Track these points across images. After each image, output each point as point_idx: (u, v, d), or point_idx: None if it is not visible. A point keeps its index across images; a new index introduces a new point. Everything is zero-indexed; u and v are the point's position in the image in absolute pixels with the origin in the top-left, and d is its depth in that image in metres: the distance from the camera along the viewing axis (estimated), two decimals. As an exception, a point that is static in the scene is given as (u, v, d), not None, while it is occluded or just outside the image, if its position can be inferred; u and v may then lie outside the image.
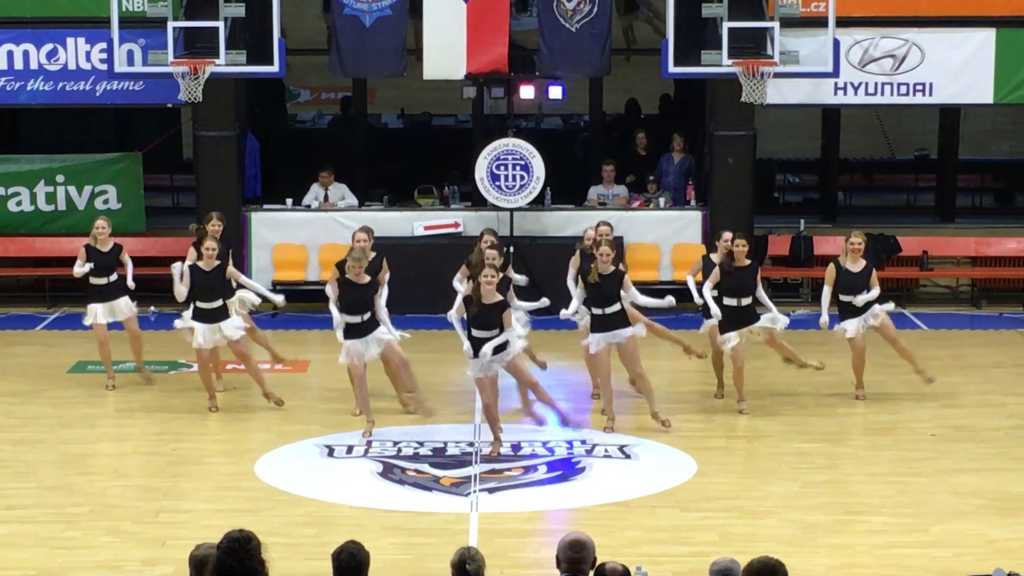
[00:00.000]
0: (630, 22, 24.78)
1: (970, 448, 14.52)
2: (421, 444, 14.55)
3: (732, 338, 15.45)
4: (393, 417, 15.35)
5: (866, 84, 20.00)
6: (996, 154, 25.24)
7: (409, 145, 23.43)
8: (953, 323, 20.02)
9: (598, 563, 7.71)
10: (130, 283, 16.61)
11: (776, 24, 17.97)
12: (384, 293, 15.15)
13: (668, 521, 12.48)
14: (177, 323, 15.82)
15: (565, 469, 13.93)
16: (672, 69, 18.27)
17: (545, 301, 15.39)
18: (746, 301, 15.52)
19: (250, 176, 21.20)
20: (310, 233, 20.38)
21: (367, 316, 14.71)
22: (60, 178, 20.91)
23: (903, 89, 19.99)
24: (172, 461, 14.20)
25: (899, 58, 19.93)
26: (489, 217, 19.47)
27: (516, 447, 14.45)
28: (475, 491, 13.23)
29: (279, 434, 14.95)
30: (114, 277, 16.40)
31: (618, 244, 16.70)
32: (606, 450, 14.42)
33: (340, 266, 15.00)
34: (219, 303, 15.43)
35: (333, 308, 14.88)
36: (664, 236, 20.44)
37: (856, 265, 15.94)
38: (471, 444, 14.51)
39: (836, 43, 18.31)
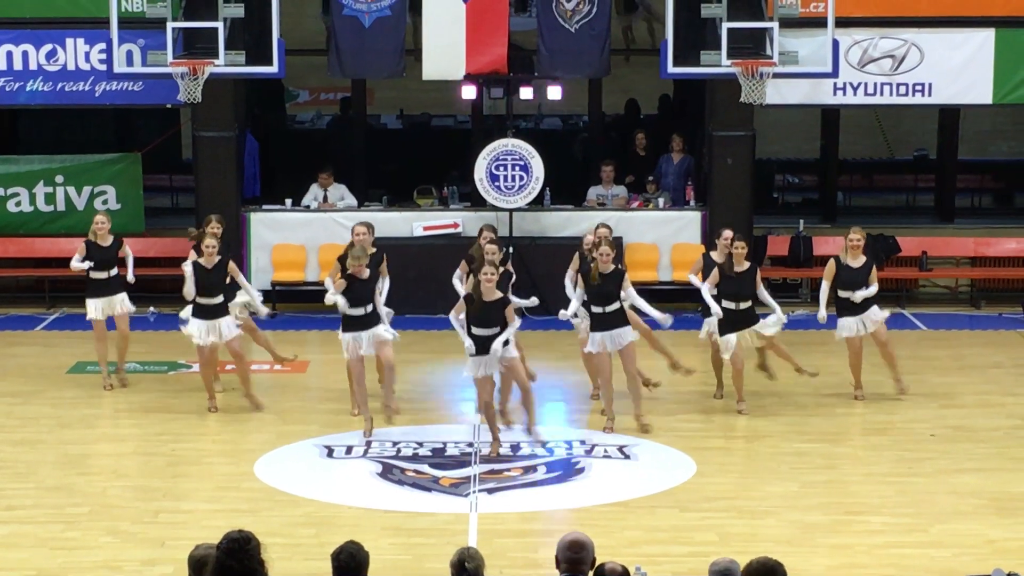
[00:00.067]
0: (629, 22, 24.81)
1: (969, 448, 14.53)
2: (420, 444, 14.55)
3: (731, 341, 15.45)
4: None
5: (865, 84, 20.01)
6: (995, 154, 25.24)
7: (408, 146, 23.43)
8: (952, 323, 20.03)
9: (597, 563, 7.72)
10: (130, 278, 16.62)
11: (775, 24, 17.97)
12: (386, 284, 15.20)
13: (667, 521, 12.48)
14: (181, 325, 15.83)
15: (564, 469, 13.93)
16: (671, 69, 18.27)
17: (535, 300, 15.36)
18: (744, 305, 15.52)
19: (249, 176, 21.20)
20: (309, 233, 20.39)
21: (370, 308, 14.72)
22: (59, 178, 20.92)
23: (902, 89, 20.00)
24: (171, 461, 14.21)
25: (898, 58, 19.93)
26: (488, 217, 19.46)
27: (516, 447, 14.45)
28: (474, 491, 13.23)
29: (278, 434, 14.96)
30: (114, 272, 16.42)
31: (617, 244, 16.70)
32: (605, 450, 14.42)
33: (342, 260, 15.05)
34: (220, 299, 15.44)
35: (329, 285, 14.92)
36: (663, 236, 20.44)
37: (856, 261, 15.95)
38: (470, 444, 14.51)
39: (835, 43, 18.31)
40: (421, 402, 16.00)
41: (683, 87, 22.62)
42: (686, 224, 20.48)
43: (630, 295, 14.87)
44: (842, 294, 15.94)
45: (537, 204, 20.29)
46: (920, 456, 14.26)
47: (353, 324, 14.70)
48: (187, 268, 15.33)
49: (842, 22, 18.76)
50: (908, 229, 21.44)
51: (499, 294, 14.17)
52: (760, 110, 19.26)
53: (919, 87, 19.98)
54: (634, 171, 21.63)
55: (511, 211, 20.00)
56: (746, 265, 15.57)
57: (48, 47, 19.88)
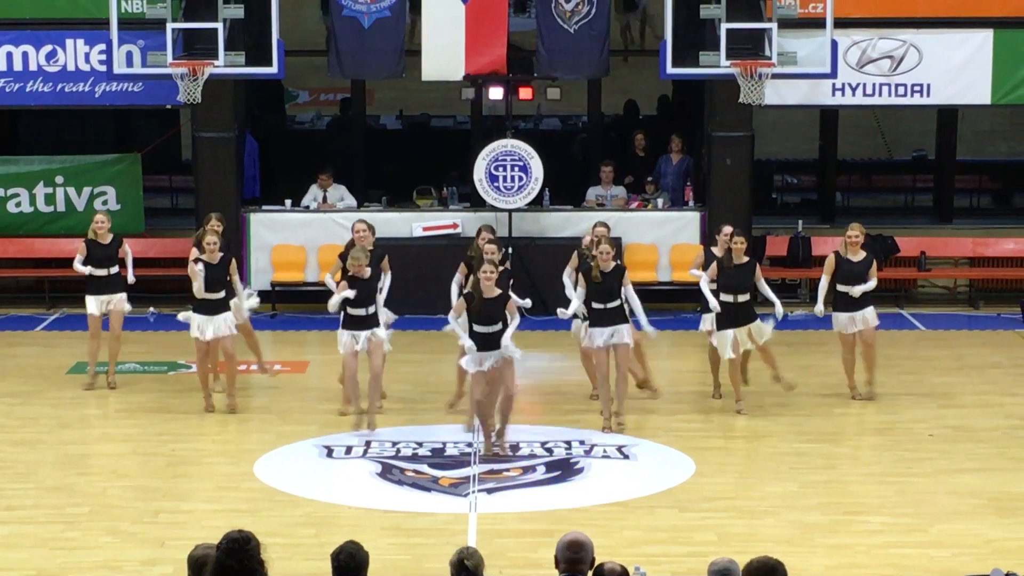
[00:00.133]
0: (628, 20, 24.82)
1: (968, 448, 14.54)
2: (420, 444, 14.56)
3: (728, 339, 15.45)
4: (392, 418, 15.36)
5: (864, 85, 20.02)
6: (994, 155, 25.24)
7: (408, 146, 23.43)
8: (951, 323, 20.03)
9: (596, 563, 7.73)
10: (131, 279, 16.63)
11: (774, 25, 17.99)
12: (387, 280, 15.23)
13: (667, 521, 12.50)
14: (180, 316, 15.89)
15: (563, 470, 13.94)
16: (670, 70, 18.30)
17: (527, 302, 15.35)
18: (743, 298, 15.55)
19: (249, 177, 21.20)
20: (309, 234, 20.39)
21: (371, 310, 14.73)
22: (59, 179, 20.92)
23: (901, 90, 20.01)
24: (171, 462, 14.22)
25: (897, 59, 19.94)
26: (488, 218, 19.46)
27: (515, 447, 14.47)
28: (474, 491, 13.25)
29: (278, 435, 14.97)
30: (114, 270, 16.43)
31: (616, 245, 16.72)
32: (604, 450, 14.43)
33: (343, 258, 15.06)
34: (222, 295, 15.47)
35: (329, 282, 14.95)
36: (662, 237, 20.45)
37: (856, 256, 15.98)
38: (470, 444, 14.51)
39: (834, 44, 18.33)
40: (421, 402, 16.01)
41: (682, 88, 22.62)
42: (685, 224, 20.48)
43: (627, 292, 14.91)
44: (841, 288, 15.96)
45: (536, 205, 20.30)
46: (919, 456, 14.27)
47: (353, 323, 14.72)
48: (198, 268, 15.32)
49: (841, 23, 18.78)
50: (907, 229, 21.44)
51: (499, 291, 14.20)
52: (759, 111, 19.27)
53: (918, 88, 19.99)
54: (633, 172, 21.64)
55: (510, 211, 20.01)
56: (745, 259, 15.60)
57: (48, 48, 19.89)
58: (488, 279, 14.06)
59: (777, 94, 19.31)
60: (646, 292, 16.65)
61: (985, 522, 12.48)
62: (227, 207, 18.98)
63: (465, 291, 14.54)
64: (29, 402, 16.12)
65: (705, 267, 15.83)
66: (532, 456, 14.27)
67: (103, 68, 19.49)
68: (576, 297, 15.04)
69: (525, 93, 20.23)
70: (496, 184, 19.96)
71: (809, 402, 16.07)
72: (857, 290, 15.84)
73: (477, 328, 14.09)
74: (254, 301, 16.62)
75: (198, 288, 15.31)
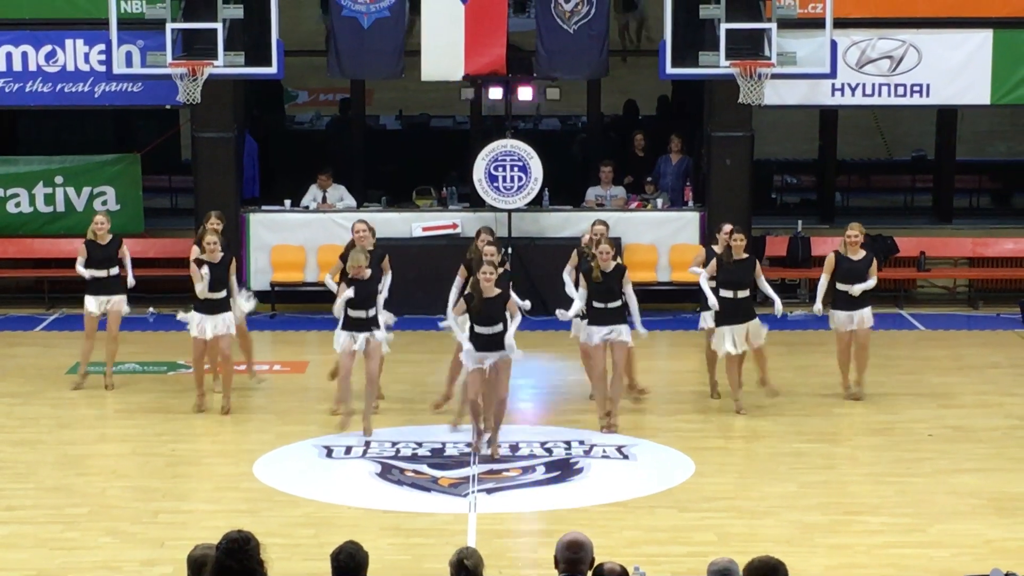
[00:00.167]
0: (627, 20, 24.82)
1: (968, 448, 14.54)
2: (419, 445, 14.57)
3: (726, 337, 15.44)
4: (391, 418, 15.36)
5: (863, 85, 20.02)
6: (993, 155, 25.25)
7: (407, 146, 23.43)
8: (950, 324, 20.03)
9: (596, 563, 7.73)
10: (131, 281, 16.63)
11: (773, 25, 17.99)
12: (387, 280, 15.24)
13: (666, 521, 12.50)
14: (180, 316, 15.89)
15: (563, 470, 13.94)
16: (670, 70, 18.30)
17: (527, 303, 15.34)
18: (743, 294, 15.55)
19: (248, 177, 21.19)
20: (308, 234, 20.39)
21: (371, 312, 14.73)
22: (59, 179, 20.92)
23: (900, 90, 20.01)
24: (171, 462, 14.22)
25: (896, 59, 19.95)
26: (487, 218, 19.47)
27: (514, 447, 14.47)
28: (473, 491, 13.25)
29: (277, 435, 14.97)
30: (114, 270, 16.43)
31: (616, 245, 16.71)
32: (604, 451, 14.43)
33: (343, 258, 15.07)
34: (223, 294, 15.47)
35: (330, 283, 14.96)
36: (662, 237, 20.44)
37: (856, 254, 15.99)
38: (469, 445, 14.51)
39: (833, 44, 18.33)
40: (420, 402, 15.99)
41: (682, 88, 22.62)
42: (685, 225, 20.48)
43: (626, 292, 14.92)
44: (840, 287, 15.97)
45: (536, 205, 20.30)
46: (919, 456, 14.28)
47: (353, 324, 14.72)
48: (203, 270, 15.29)
49: (840, 23, 18.79)
50: (906, 229, 21.44)
51: (499, 290, 14.20)
52: (758, 111, 19.27)
53: (917, 88, 19.99)
54: (633, 172, 21.63)
55: (510, 212, 20.01)
56: (745, 256, 15.61)
57: (47, 48, 19.89)
58: (488, 280, 14.07)
59: (776, 94, 19.31)
60: (645, 292, 16.66)
61: (984, 522, 12.48)
62: (226, 207, 18.96)
63: (465, 292, 14.54)
64: (29, 402, 16.12)
65: (706, 265, 15.84)
66: (532, 456, 14.27)
67: (102, 68, 19.49)
68: (578, 298, 15.04)
69: (525, 94, 20.21)
70: (496, 184, 19.96)
71: (808, 402, 16.07)
72: (857, 288, 15.85)
73: (478, 329, 14.10)
74: (251, 304, 16.62)
75: (201, 289, 15.31)
